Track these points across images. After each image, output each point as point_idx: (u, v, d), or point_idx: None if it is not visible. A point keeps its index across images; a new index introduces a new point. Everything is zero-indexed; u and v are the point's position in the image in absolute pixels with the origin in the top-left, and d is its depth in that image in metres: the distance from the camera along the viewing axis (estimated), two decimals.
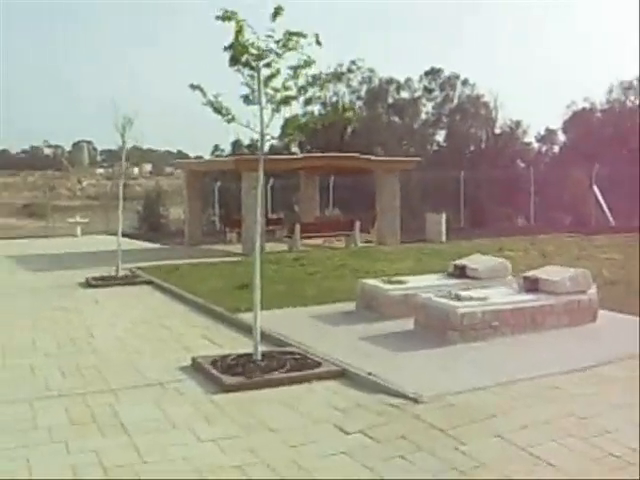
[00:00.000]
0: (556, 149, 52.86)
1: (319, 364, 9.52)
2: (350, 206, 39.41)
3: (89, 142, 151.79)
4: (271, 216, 36.12)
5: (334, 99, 48.18)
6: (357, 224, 26.22)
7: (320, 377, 9.15)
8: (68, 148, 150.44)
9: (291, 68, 9.59)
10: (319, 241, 26.92)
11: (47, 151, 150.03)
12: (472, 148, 50.87)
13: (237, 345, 10.96)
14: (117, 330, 12.44)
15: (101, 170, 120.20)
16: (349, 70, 49.80)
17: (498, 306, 10.98)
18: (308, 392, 8.64)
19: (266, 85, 9.64)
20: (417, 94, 52.69)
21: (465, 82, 51.88)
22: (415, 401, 8.02)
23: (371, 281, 13.12)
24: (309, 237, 25.66)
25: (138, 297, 16.21)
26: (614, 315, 12.22)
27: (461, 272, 13.33)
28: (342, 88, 50.77)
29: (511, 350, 10.26)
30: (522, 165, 52.15)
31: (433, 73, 52.68)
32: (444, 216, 29.04)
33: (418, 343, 10.65)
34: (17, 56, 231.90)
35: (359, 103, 51.34)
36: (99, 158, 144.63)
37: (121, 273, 18.84)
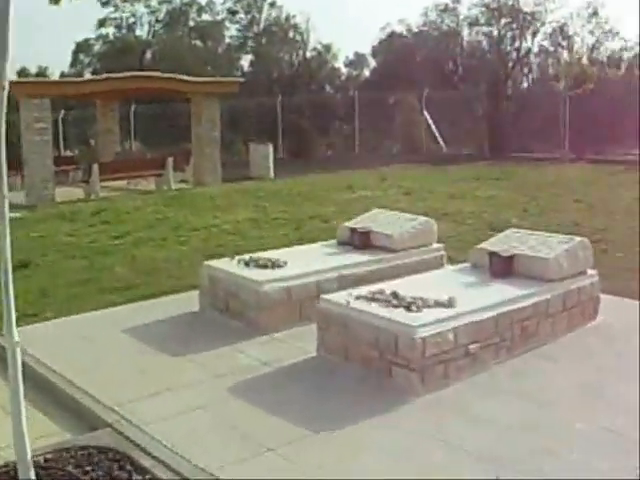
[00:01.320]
0: (367, 73, 48.28)
1: None
2: (154, 139, 33.07)
3: None
4: (64, 154, 29.52)
5: (131, 20, 41.22)
6: (170, 161, 20.29)
7: None
8: None
9: None
10: (123, 182, 20.85)
11: None
12: (282, 73, 45.37)
13: None
14: None
15: None
16: None
17: (476, 315, 5.82)
18: None
19: None
20: (220, 16, 46.41)
21: (273, 4, 46.01)
22: None
23: (224, 264, 7.55)
24: (111, 179, 19.52)
25: None
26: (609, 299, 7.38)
27: (362, 240, 8.07)
28: (140, 8, 43.83)
29: (523, 403, 5.15)
30: (331, 91, 47.53)
31: None
32: (271, 148, 23.59)
33: (349, 399, 5.35)
34: None
35: (158, 26, 44.57)
36: None
37: None
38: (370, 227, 8.10)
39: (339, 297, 6.17)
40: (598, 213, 13.28)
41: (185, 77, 20.70)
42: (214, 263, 7.59)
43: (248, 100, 33.74)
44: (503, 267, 6.72)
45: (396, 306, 5.83)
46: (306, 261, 7.58)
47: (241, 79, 26.53)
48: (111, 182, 19.78)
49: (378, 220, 8.39)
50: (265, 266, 7.25)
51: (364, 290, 6.24)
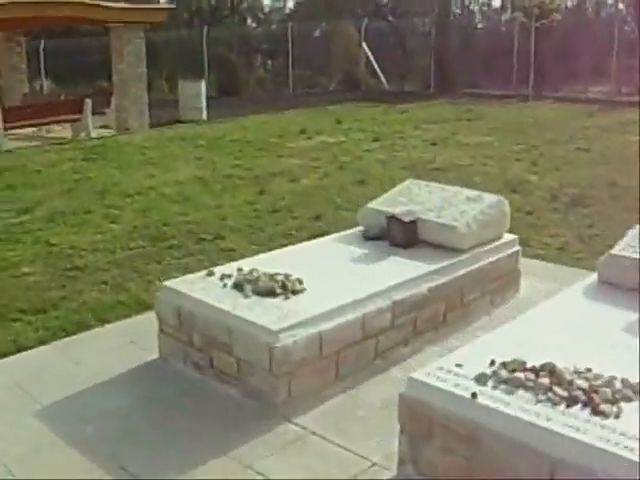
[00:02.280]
0: (291, 5, 44.59)
1: None
2: (69, 77, 28.90)
3: None
4: None
5: None
6: (88, 104, 16.69)
7: None
8: None
9: None
10: (33, 129, 17.16)
11: None
12: (201, 5, 41.19)
13: None
14: None
15: None
16: None
17: None
18: None
19: None
20: None
21: None
22: None
23: (200, 288, 4.35)
24: (18, 127, 15.89)
25: None
26: None
27: (408, 234, 5.06)
28: None
29: None
30: (253, 24, 43.85)
31: None
32: (204, 85, 20.11)
33: None
34: None
35: None
36: None
37: None
38: (417, 213, 5.11)
39: (440, 377, 3.20)
40: (621, 167, 10.57)
41: (103, 3, 16.96)
42: (182, 285, 4.45)
43: (166, 33, 29.96)
44: None
45: (568, 401, 2.93)
46: (331, 276, 4.57)
47: (171, 5, 22.80)
48: (19, 130, 16.16)
49: (419, 199, 5.39)
50: (272, 292, 4.20)
51: (475, 355, 3.31)
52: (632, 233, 4.52)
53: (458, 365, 3.26)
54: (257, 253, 6.82)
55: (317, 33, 33.57)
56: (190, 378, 4.22)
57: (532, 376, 3.12)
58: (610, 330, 3.70)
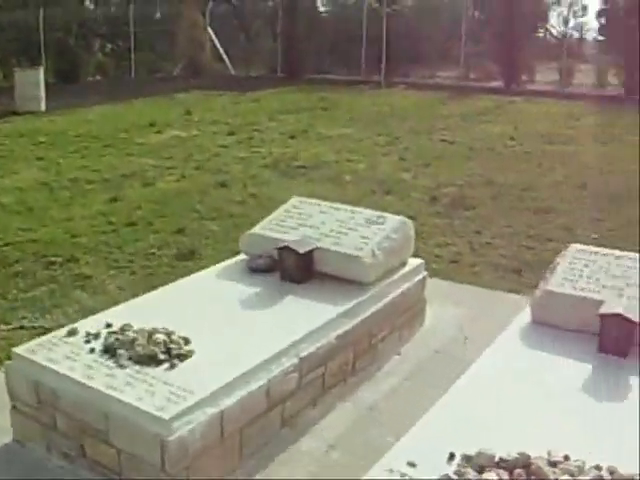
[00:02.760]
0: None
1: None
2: None
3: None
4: None
5: None
6: None
7: None
8: None
9: None
10: None
11: None
12: None
13: None
14: None
15: None
16: None
17: None
18: None
19: None
20: None
21: None
22: None
23: (62, 358, 3.42)
24: None
25: None
26: None
27: (303, 266, 4.33)
28: None
29: None
30: (91, 6, 41.54)
31: None
32: (42, 73, 18.48)
33: None
34: None
35: None
36: None
37: None
38: (312, 241, 4.38)
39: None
40: (490, 162, 10.30)
41: None
42: (39, 354, 3.46)
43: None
44: (625, 338, 3.35)
45: None
46: (222, 329, 3.77)
47: None
48: None
49: (312, 222, 4.67)
50: (153, 359, 3.36)
51: (427, 444, 2.65)
52: (564, 263, 3.98)
53: (411, 464, 2.58)
54: (116, 279, 6.00)
55: (158, 15, 32.14)
56: (56, 471, 3.34)
57: (506, 476, 2.48)
58: (567, 389, 3.14)
